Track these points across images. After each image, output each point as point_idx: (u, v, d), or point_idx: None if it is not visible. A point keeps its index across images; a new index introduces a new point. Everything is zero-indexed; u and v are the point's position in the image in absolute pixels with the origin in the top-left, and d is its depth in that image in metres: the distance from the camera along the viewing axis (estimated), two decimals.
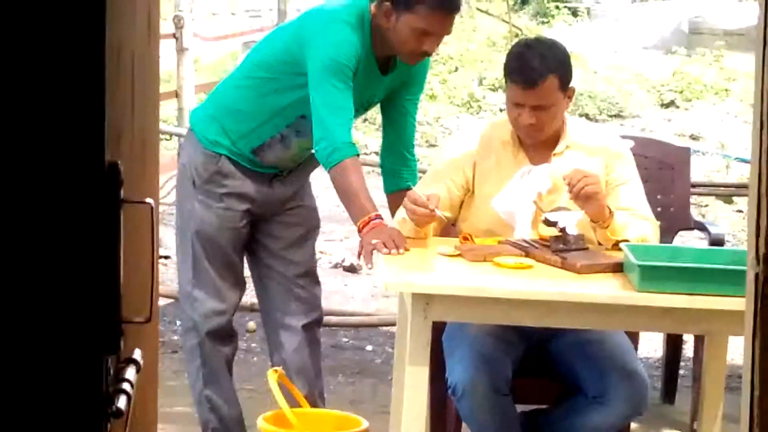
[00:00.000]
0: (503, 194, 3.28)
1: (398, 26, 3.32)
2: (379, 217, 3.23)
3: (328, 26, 3.36)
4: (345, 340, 5.29)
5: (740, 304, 1.51)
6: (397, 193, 3.54)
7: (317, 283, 3.71)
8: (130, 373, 1.54)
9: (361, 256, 3.22)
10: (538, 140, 3.30)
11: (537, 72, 3.17)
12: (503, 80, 3.37)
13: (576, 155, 3.31)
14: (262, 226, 3.60)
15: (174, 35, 7.90)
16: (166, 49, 12.69)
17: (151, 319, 1.65)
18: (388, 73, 3.48)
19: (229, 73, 3.74)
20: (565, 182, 3.16)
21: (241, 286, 3.61)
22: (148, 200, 1.62)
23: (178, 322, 5.31)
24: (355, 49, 3.33)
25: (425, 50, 3.35)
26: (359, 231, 3.24)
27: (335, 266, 6.36)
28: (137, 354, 1.59)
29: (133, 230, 1.58)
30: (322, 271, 6.23)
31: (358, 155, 3.33)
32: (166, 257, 6.54)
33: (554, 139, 3.32)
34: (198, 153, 3.53)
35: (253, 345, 5.07)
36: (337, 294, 5.98)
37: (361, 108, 3.51)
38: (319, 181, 4.04)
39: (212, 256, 3.51)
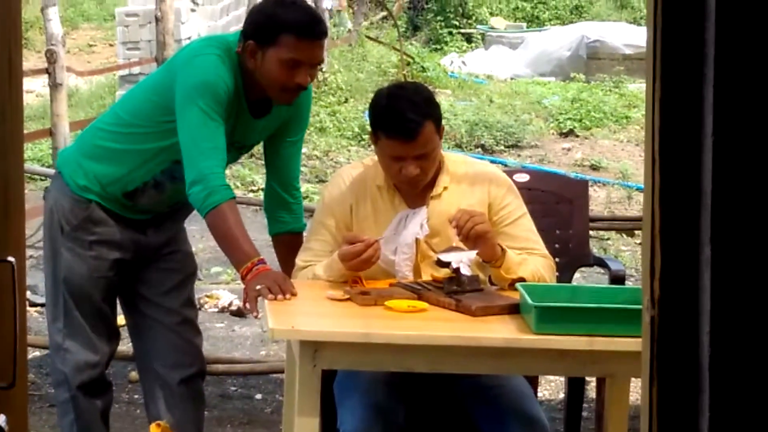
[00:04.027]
0: (381, 242, 3.16)
1: (265, 63, 3.19)
2: (262, 261, 3.12)
3: (196, 57, 3.23)
4: (233, 388, 5.07)
5: (641, 344, 1.43)
6: (280, 236, 3.51)
7: (198, 332, 3.58)
8: None
9: (246, 304, 3.09)
10: (421, 187, 3.22)
11: (414, 123, 3.09)
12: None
13: (455, 194, 3.24)
14: (137, 273, 3.47)
15: (47, 70, 7.64)
16: (40, 84, 12.31)
17: (15, 383, 1.58)
18: (262, 117, 3.34)
19: (98, 117, 3.60)
20: (452, 225, 3.08)
21: (114, 336, 3.50)
22: (10, 258, 1.58)
23: None
24: (224, 79, 3.19)
25: (298, 83, 3.19)
26: (242, 278, 3.13)
27: (222, 311, 6.14)
28: (1, 420, 1.54)
29: None
30: (209, 315, 6.01)
31: (234, 198, 3.21)
32: (43, 305, 6.26)
33: (431, 181, 3.23)
34: (66, 198, 3.39)
35: (136, 396, 4.83)
36: (224, 340, 5.77)
37: (230, 149, 3.33)
38: (202, 222, 3.88)
39: (82, 306, 3.38)
